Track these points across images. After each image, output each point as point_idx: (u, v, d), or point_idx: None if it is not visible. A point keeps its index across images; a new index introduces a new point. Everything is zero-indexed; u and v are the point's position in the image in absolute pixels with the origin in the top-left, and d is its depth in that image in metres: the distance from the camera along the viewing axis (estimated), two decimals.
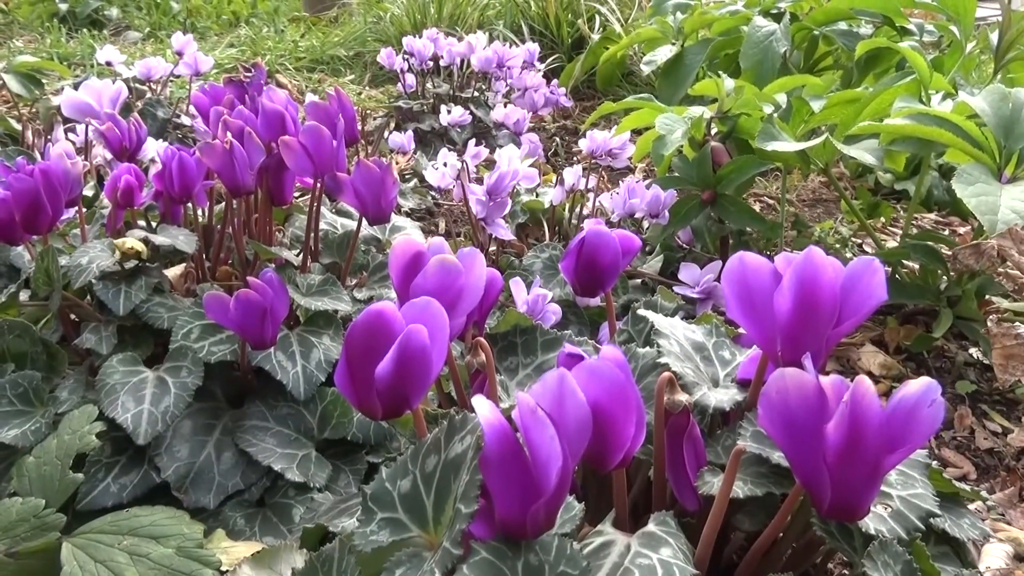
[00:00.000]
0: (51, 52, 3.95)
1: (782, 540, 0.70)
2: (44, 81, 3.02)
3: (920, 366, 1.50)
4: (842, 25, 2.36)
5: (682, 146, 1.69)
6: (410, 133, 2.34)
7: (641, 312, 0.83)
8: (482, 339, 0.78)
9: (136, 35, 4.77)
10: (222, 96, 1.25)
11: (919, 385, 0.53)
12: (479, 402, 0.52)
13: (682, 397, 0.67)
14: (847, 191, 2.37)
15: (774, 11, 2.47)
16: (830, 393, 0.54)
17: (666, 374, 0.67)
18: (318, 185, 1.17)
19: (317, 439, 1.04)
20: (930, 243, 1.54)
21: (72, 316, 1.14)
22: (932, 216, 2.33)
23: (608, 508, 0.69)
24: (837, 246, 1.93)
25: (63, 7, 5.09)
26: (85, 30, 4.65)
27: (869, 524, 0.60)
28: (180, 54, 2.47)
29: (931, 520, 0.66)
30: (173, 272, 1.23)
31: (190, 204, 1.23)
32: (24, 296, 1.19)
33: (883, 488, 0.64)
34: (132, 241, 1.05)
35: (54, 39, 4.32)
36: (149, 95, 2.47)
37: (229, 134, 1.03)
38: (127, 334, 1.09)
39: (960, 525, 0.72)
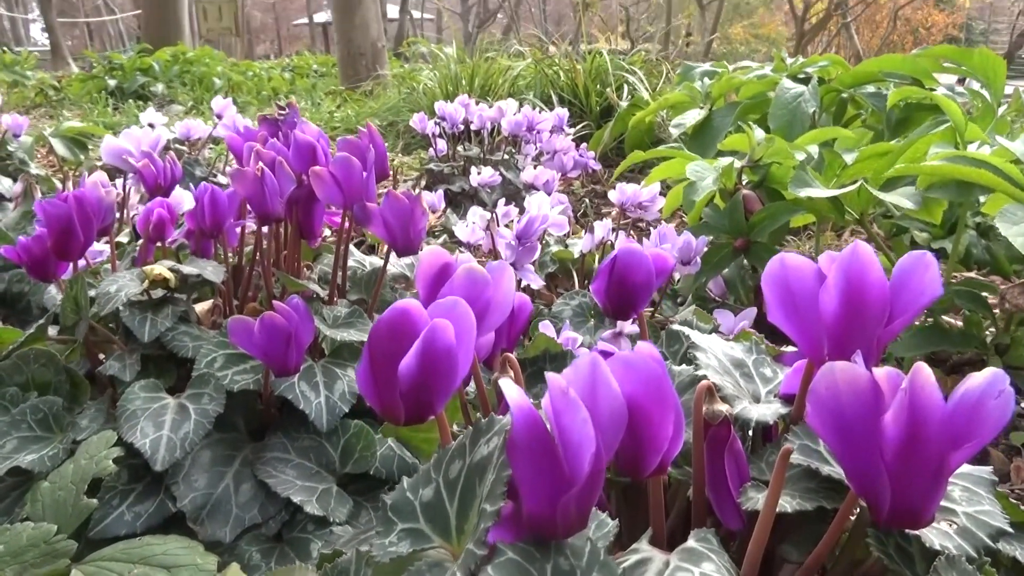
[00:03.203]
0: (97, 121, 4.11)
1: (832, 570, 0.64)
2: (89, 147, 3.13)
3: None
4: (871, 88, 2.37)
5: (713, 196, 1.67)
6: (440, 192, 2.36)
7: (676, 328, 0.80)
8: (511, 355, 0.75)
9: (179, 108, 4.96)
10: (255, 138, 1.26)
11: (984, 376, 0.49)
12: (506, 384, 0.48)
13: (722, 407, 0.63)
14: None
15: (801, 75, 2.49)
16: (884, 387, 0.50)
17: (705, 382, 0.63)
18: (347, 221, 1.17)
19: (339, 473, 1.00)
20: (975, 290, 1.48)
21: (100, 355, 1.13)
22: (971, 275, 2.26)
23: (641, 533, 0.64)
24: None
25: (112, 83, 5.34)
26: (131, 101, 4.85)
27: (933, 540, 0.54)
28: (220, 116, 2.54)
29: (1000, 546, 0.60)
30: (201, 307, 1.22)
31: (220, 246, 1.23)
32: (53, 332, 1.19)
33: (946, 504, 0.58)
34: (160, 268, 1.05)
35: (100, 109, 4.51)
36: (188, 155, 2.54)
37: (261, 163, 1.04)
38: (151, 363, 1.07)
39: None
